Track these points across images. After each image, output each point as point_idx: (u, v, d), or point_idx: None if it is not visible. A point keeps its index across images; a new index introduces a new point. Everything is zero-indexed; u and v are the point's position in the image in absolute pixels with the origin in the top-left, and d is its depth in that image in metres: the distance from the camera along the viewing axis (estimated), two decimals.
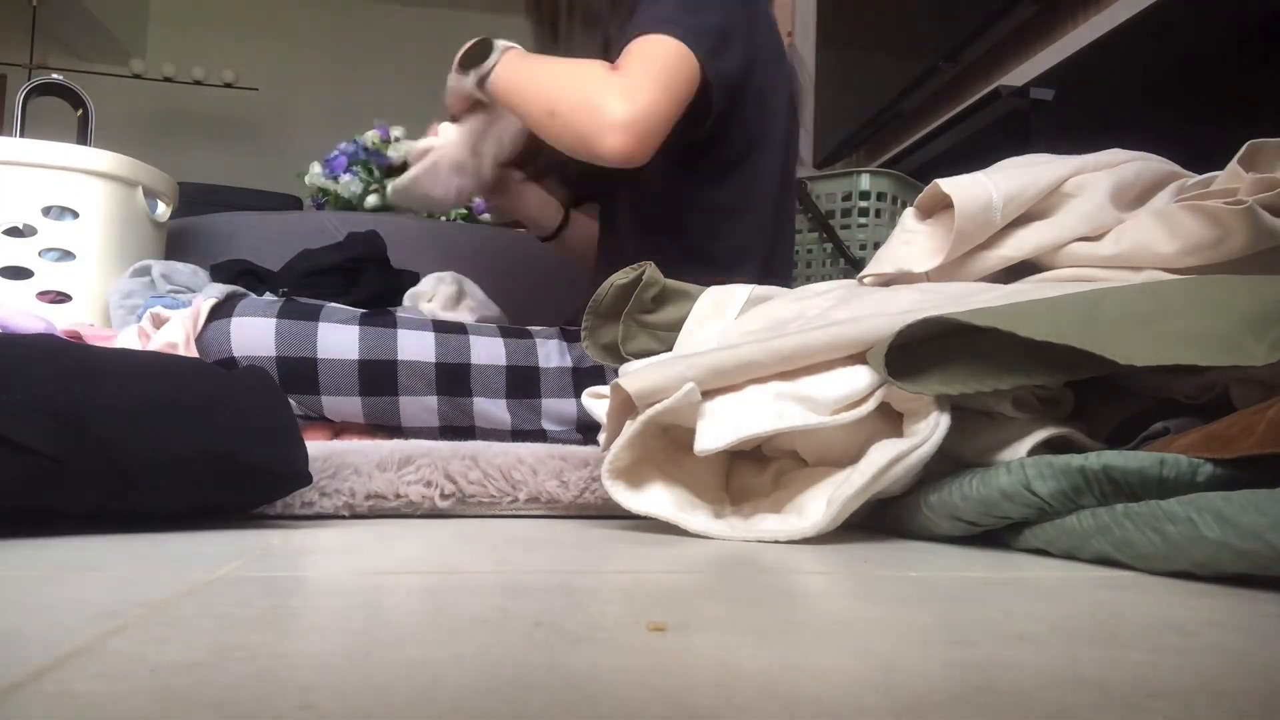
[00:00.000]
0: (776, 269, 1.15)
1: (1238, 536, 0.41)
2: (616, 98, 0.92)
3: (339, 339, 0.96)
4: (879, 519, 0.64)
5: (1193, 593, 0.41)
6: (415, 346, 0.97)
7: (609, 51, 1.05)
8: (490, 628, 0.31)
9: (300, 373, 0.94)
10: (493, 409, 0.99)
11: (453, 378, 0.97)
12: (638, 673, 0.26)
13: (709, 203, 1.08)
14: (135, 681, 0.24)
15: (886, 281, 0.78)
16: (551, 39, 1.13)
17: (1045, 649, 0.30)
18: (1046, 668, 0.27)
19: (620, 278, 0.82)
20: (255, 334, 0.94)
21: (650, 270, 0.82)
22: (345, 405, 0.95)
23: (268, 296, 1.03)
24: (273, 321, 0.95)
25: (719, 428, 0.58)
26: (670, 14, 0.97)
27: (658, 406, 0.60)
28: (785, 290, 0.84)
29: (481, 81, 1.03)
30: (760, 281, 0.96)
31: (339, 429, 0.98)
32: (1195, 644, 0.31)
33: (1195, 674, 0.27)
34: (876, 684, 0.26)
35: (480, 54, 1.03)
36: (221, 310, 0.97)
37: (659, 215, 1.10)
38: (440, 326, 1.01)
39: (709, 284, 0.99)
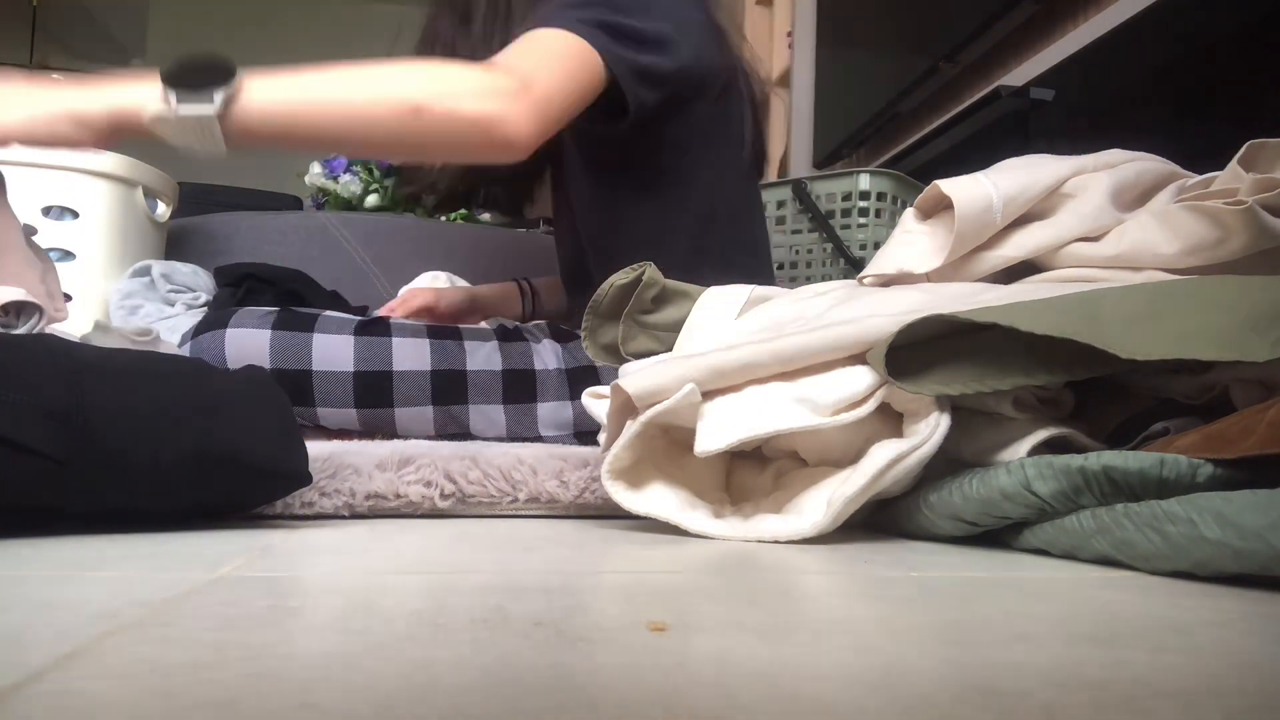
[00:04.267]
0: (755, 270, 1.12)
1: (1238, 537, 0.41)
2: (507, 79, 0.79)
3: (334, 350, 0.95)
4: (879, 519, 0.64)
5: (1193, 593, 0.41)
6: (410, 355, 0.97)
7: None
8: (490, 628, 0.31)
9: (296, 385, 0.93)
10: (489, 415, 0.98)
11: (448, 385, 0.97)
12: (638, 673, 0.26)
13: (651, 209, 1.03)
14: (135, 681, 0.24)
15: (887, 282, 0.78)
16: (464, 32, 1.06)
17: (1045, 649, 0.30)
18: (1046, 668, 0.27)
19: (620, 278, 0.82)
20: (250, 346, 0.94)
21: (650, 270, 0.82)
22: (341, 416, 0.95)
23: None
24: (267, 333, 0.94)
25: (719, 429, 0.58)
26: (572, 11, 0.87)
27: (658, 407, 0.60)
28: (785, 290, 0.84)
29: (228, 103, 0.71)
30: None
31: (334, 435, 0.98)
32: (1195, 644, 0.31)
33: (1195, 674, 0.27)
34: (876, 684, 0.26)
35: (207, 71, 0.72)
36: (216, 322, 0.96)
37: (606, 220, 1.06)
38: (435, 333, 1.00)
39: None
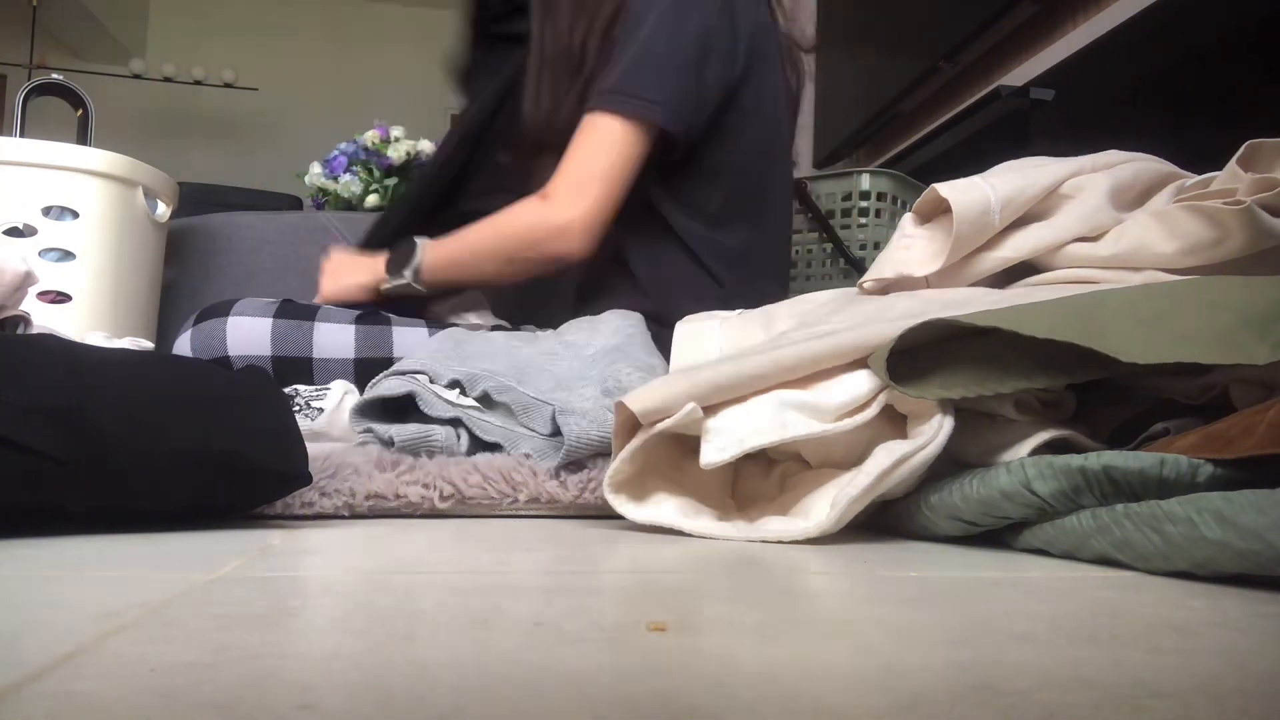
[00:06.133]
0: (773, 272, 1.15)
1: (1238, 536, 0.41)
2: (558, 215, 0.98)
3: (335, 338, 0.96)
4: (880, 519, 0.64)
5: (1193, 593, 0.41)
6: (410, 344, 0.98)
7: (583, 53, 1.07)
8: (490, 628, 0.31)
9: (296, 371, 0.94)
10: None
11: None
12: (638, 673, 0.26)
13: (698, 205, 1.08)
14: (135, 681, 0.24)
15: (886, 287, 0.78)
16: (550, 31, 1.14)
17: (1045, 649, 0.30)
18: (1046, 668, 0.27)
19: None
20: (251, 333, 0.94)
21: None
22: None
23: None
24: (269, 321, 0.95)
25: (723, 440, 0.59)
26: (620, 82, 0.99)
27: (660, 425, 0.60)
28: (767, 309, 0.84)
29: (416, 274, 1.07)
30: (759, 284, 0.96)
31: None
32: (1195, 644, 0.31)
33: (1195, 674, 0.27)
34: (876, 684, 0.26)
35: (402, 255, 1.08)
36: (217, 309, 0.97)
37: (651, 218, 1.10)
38: (433, 323, 1.01)
39: (703, 283, 1.00)
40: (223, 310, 0.96)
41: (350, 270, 1.12)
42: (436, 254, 1.06)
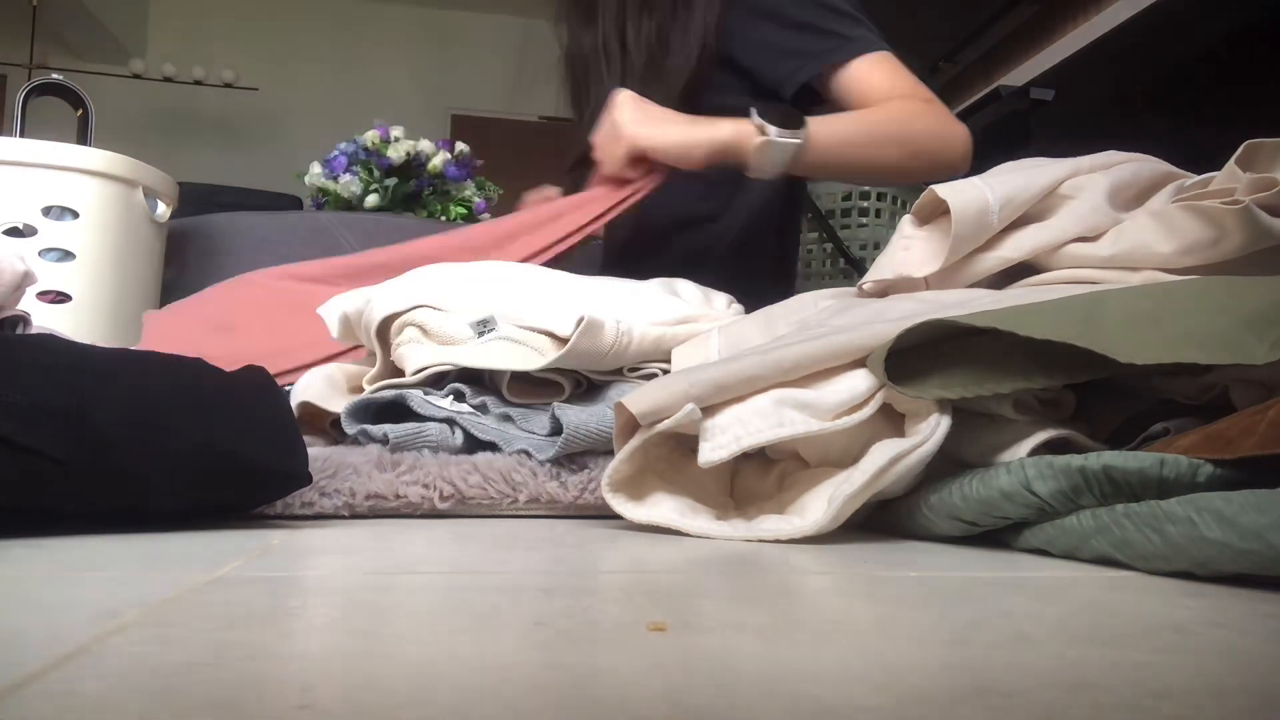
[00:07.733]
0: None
1: (1238, 536, 0.41)
2: (953, 122, 1.00)
3: None
4: (880, 519, 0.64)
5: (1193, 593, 0.41)
6: None
7: (665, 47, 1.08)
8: (490, 628, 0.31)
9: None
10: None
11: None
12: (638, 673, 0.26)
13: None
14: (135, 681, 0.24)
15: (886, 288, 0.78)
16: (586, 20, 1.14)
17: (1045, 649, 0.30)
18: (1046, 668, 0.27)
19: None
20: None
21: None
22: None
23: None
24: None
25: (721, 439, 0.59)
26: (869, 30, 1.04)
27: (659, 426, 0.60)
28: (766, 310, 0.84)
29: (807, 140, 0.95)
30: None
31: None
32: (1195, 644, 0.31)
33: (1195, 674, 0.27)
34: (876, 684, 0.26)
35: (788, 115, 0.96)
36: None
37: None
38: None
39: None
40: None
41: (674, 119, 0.97)
42: (827, 129, 0.96)
